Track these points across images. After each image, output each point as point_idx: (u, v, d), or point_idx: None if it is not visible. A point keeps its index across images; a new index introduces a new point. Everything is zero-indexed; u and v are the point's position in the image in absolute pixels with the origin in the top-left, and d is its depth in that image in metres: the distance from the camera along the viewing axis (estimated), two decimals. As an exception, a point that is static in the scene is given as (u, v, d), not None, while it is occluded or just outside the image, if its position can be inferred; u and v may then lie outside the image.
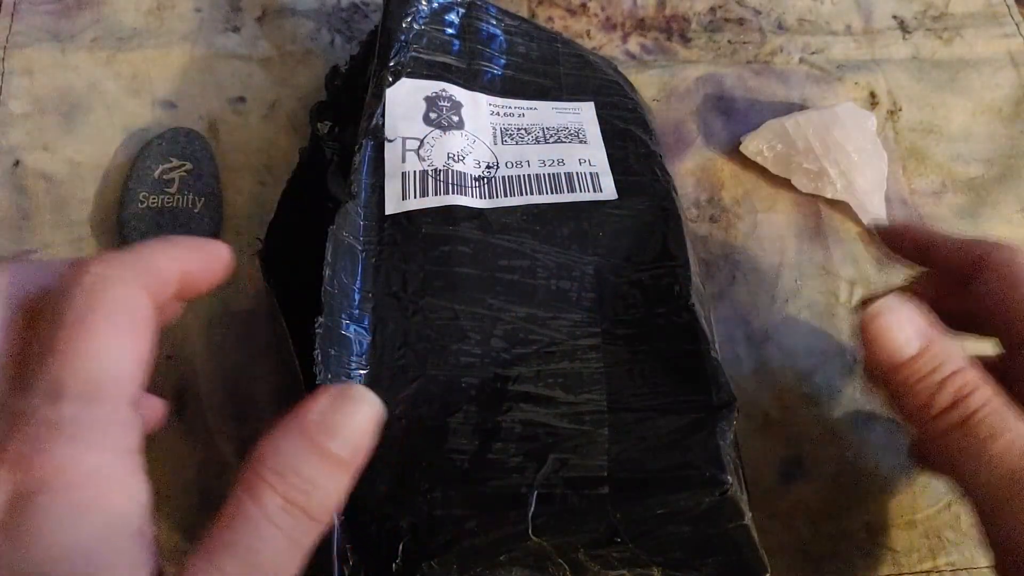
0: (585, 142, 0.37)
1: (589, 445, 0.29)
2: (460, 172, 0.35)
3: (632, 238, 0.34)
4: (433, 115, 0.36)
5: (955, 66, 0.48)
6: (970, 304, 0.29)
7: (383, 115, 0.35)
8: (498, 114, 0.38)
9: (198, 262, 0.24)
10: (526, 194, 0.35)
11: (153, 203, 0.39)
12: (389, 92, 0.36)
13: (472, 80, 0.38)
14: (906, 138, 0.46)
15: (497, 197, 0.35)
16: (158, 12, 0.45)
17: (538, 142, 0.37)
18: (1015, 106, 0.47)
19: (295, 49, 0.45)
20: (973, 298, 0.29)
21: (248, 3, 0.46)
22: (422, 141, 0.35)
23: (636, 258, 0.34)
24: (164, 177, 0.39)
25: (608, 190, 0.36)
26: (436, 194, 0.34)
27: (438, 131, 0.36)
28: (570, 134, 0.38)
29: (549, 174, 0.36)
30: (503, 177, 0.35)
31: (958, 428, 0.25)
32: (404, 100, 0.36)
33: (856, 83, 0.47)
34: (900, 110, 0.46)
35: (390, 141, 0.35)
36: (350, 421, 0.21)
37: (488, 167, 0.36)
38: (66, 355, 0.19)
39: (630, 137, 0.38)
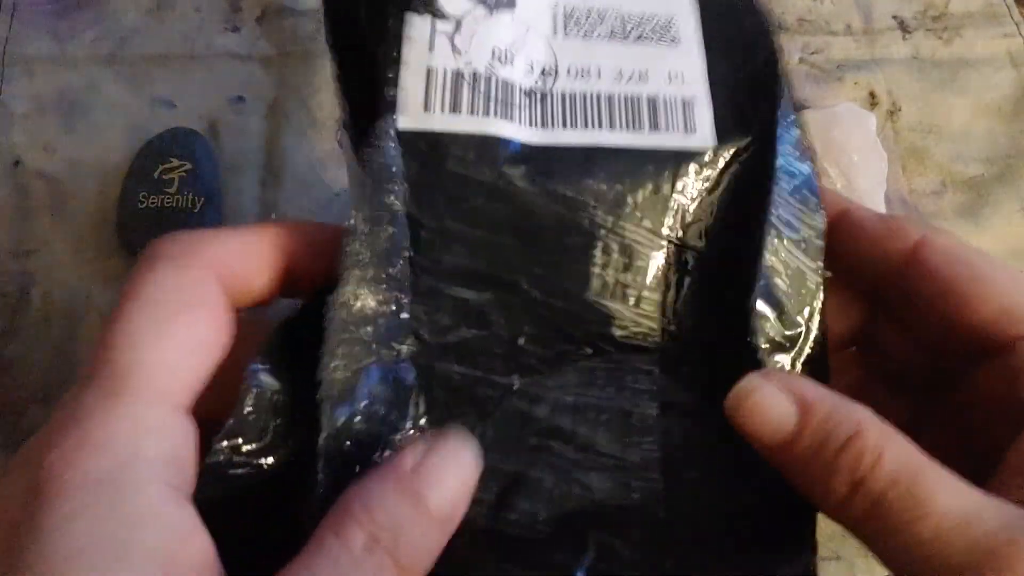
0: (676, 41, 0.25)
1: (640, 531, 0.21)
2: (506, 81, 0.24)
3: (724, 218, 0.24)
4: None
5: (955, 66, 0.48)
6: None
7: None
8: None
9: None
10: (591, 126, 0.24)
11: (153, 203, 0.39)
12: None
13: None
14: (906, 138, 0.46)
15: (553, 127, 0.24)
16: (158, 12, 0.45)
17: (614, 37, 0.25)
18: (1015, 106, 0.47)
19: (295, 49, 0.45)
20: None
21: (248, 3, 0.46)
22: (459, 23, 0.24)
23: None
24: (164, 177, 0.39)
25: (703, 132, 0.24)
26: (472, 112, 0.23)
27: (482, 9, 0.24)
28: (657, 28, 0.25)
29: (626, 96, 0.24)
30: (563, 94, 0.24)
31: (870, 517, 0.18)
32: None
33: (856, 83, 0.47)
34: (900, 110, 0.46)
35: (420, 13, 0.24)
36: (447, 470, 0.19)
37: (544, 72, 0.24)
38: (101, 344, 0.18)
39: (742, 28, 0.25)
